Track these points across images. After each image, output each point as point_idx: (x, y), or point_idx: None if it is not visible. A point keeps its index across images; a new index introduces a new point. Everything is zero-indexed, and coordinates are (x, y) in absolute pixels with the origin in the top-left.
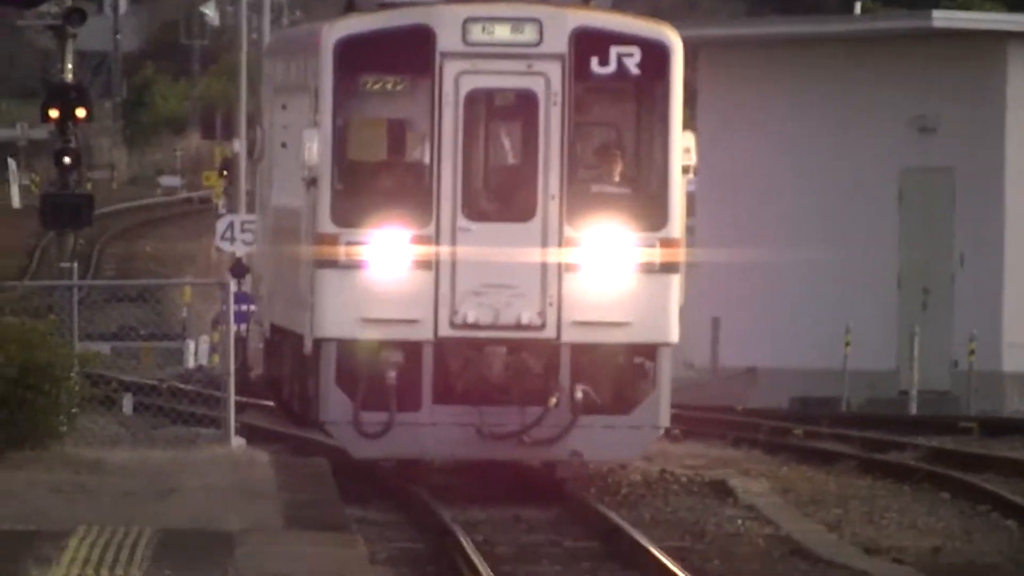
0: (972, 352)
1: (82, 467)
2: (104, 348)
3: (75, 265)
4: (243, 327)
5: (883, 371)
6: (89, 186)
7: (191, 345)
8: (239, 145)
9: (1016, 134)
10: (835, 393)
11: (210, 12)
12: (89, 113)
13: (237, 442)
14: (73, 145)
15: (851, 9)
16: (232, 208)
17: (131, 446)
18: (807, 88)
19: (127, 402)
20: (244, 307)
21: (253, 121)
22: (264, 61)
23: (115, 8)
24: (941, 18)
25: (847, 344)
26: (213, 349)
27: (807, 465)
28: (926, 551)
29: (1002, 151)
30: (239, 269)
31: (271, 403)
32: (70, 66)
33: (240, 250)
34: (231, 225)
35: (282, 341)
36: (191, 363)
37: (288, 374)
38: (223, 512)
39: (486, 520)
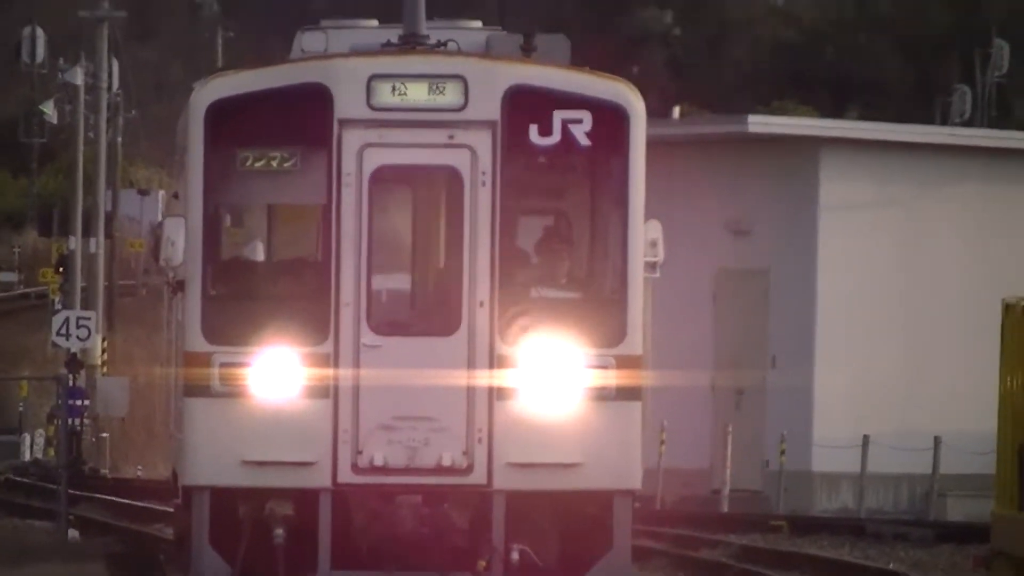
0: (783, 452)
1: None
2: None
3: None
4: (77, 421)
5: (696, 469)
6: None
7: (27, 438)
8: (75, 242)
9: (828, 236)
10: (649, 491)
11: (48, 111)
12: None
13: (72, 533)
14: None
15: (668, 113)
16: (68, 304)
17: None
18: None
19: None
20: (79, 401)
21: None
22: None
23: None
24: (756, 123)
25: (662, 443)
26: (48, 442)
27: None
28: None
29: (814, 253)
30: (74, 363)
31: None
32: None
33: (75, 346)
34: (67, 321)
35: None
36: (27, 456)
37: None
38: None
39: None
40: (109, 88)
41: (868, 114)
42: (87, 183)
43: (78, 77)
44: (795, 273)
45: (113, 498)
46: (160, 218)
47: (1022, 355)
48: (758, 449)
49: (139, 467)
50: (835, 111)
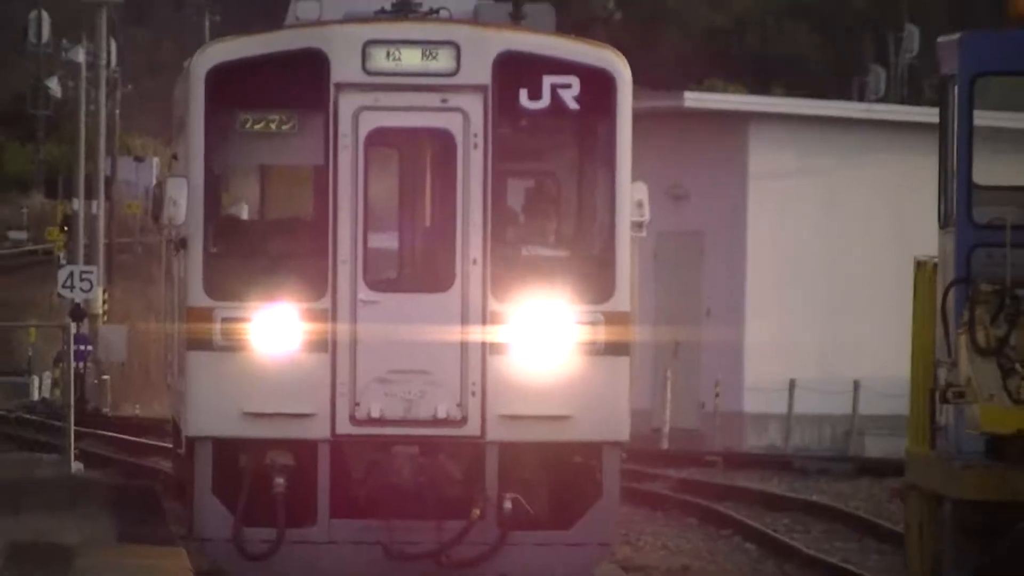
0: (717, 394)
1: None
2: None
3: None
4: (81, 364)
5: (639, 410)
6: None
7: (36, 380)
8: (78, 204)
9: (757, 202)
10: None
11: (53, 86)
12: None
13: (76, 466)
14: None
15: None
16: (72, 260)
17: None
18: None
19: None
20: (82, 347)
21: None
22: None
23: None
24: (692, 99)
25: None
26: (55, 384)
27: None
28: (676, 570)
29: (744, 217)
30: (78, 313)
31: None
32: None
33: (78, 297)
34: (71, 275)
35: (179, 440)
36: (36, 396)
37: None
38: (63, 528)
39: None
40: (107, 65)
41: (791, 92)
42: (88, 151)
43: (80, 56)
44: (727, 235)
45: (113, 434)
46: (155, 181)
47: (932, 308)
48: (694, 392)
49: (137, 406)
50: (760, 89)
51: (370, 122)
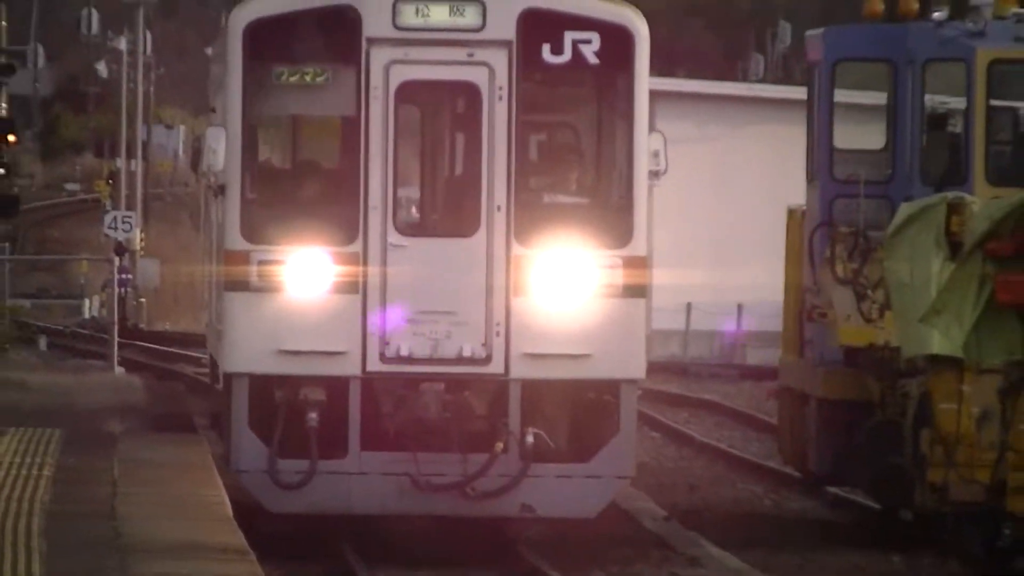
0: None
1: (11, 386)
2: (26, 303)
3: (6, 245)
4: (123, 289)
5: None
6: (15, 189)
7: (87, 302)
8: (120, 162)
9: None
10: None
11: (101, 68)
12: (16, 139)
13: (119, 371)
14: (5, 160)
15: None
16: (115, 206)
17: (45, 372)
18: None
19: (43, 341)
20: (124, 275)
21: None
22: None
23: (35, 63)
24: None
25: None
26: (102, 305)
27: None
28: None
29: None
30: (120, 249)
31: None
32: (4, 105)
33: (120, 236)
34: (115, 218)
35: (217, 376)
36: (87, 315)
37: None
38: (109, 420)
39: None
40: (144, 52)
41: (691, 75)
42: (128, 120)
43: (122, 44)
44: None
45: (148, 344)
46: (182, 140)
47: (801, 247)
48: None
49: (167, 323)
50: (666, 73)
51: (400, 75)
